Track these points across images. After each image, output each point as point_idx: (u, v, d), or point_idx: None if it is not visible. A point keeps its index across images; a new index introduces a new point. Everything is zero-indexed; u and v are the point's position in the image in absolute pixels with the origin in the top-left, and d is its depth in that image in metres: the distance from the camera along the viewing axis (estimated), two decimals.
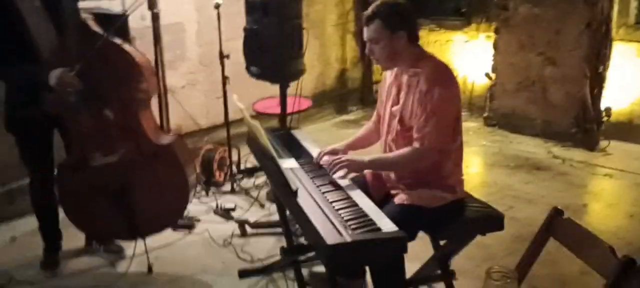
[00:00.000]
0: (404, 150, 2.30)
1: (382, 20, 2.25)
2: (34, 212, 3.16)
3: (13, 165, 3.33)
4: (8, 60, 2.72)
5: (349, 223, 1.91)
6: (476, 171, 4.60)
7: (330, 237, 1.82)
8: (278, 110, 3.82)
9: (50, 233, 3.19)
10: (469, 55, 5.74)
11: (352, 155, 2.52)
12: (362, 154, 2.51)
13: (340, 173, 2.29)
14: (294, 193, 2.12)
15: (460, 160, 2.40)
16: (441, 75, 2.26)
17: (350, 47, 6.25)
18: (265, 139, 2.21)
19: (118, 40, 2.93)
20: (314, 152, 2.63)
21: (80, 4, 2.87)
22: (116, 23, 2.85)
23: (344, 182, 2.28)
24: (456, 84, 2.32)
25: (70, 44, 2.75)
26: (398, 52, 2.29)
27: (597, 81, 4.81)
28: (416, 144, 2.25)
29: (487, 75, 5.50)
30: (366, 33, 2.32)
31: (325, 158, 2.47)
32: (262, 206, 3.87)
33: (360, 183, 2.37)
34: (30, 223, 3.33)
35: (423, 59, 2.31)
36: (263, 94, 4.55)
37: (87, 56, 2.69)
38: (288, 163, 2.47)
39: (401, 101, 2.34)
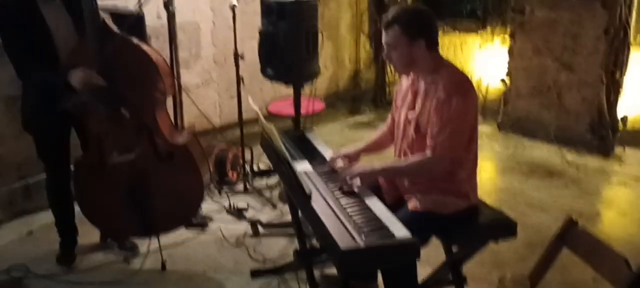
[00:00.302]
0: (416, 158, 2.30)
1: (401, 26, 2.23)
2: (50, 207, 3.21)
3: (30, 160, 3.39)
4: (29, 62, 2.76)
5: (362, 228, 1.92)
6: (489, 176, 4.59)
7: (343, 241, 1.83)
8: (292, 112, 3.84)
9: (67, 229, 3.24)
10: (483, 58, 5.72)
11: (363, 164, 2.51)
12: (376, 158, 2.52)
13: (354, 185, 2.28)
14: (308, 197, 2.14)
15: (475, 169, 2.40)
16: (460, 85, 2.25)
17: (363, 49, 6.25)
18: (279, 143, 2.21)
19: (135, 40, 2.96)
20: (328, 155, 2.64)
21: (99, 3, 2.91)
22: (131, 21, 2.88)
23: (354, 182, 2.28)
24: (474, 94, 2.31)
25: (89, 43, 2.78)
26: (416, 58, 2.27)
27: (614, 87, 4.78)
28: (428, 152, 2.24)
29: (502, 80, 5.48)
30: (384, 37, 2.31)
31: (339, 163, 2.48)
32: (274, 206, 3.89)
33: (373, 187, 2.37)
34: (47, 218, 3.37)
35: (441, 67, 2.30)
36: (277, 94, 4.58)
37: (105, 54, 2.73)
38: (302, 166, 2.49)
39: (417, 107, 2.34)
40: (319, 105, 4.22)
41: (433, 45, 2.29)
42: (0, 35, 2.80)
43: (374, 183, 2.43)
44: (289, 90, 3.83)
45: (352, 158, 2.59)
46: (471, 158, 2.36)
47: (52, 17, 2.81)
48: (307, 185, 2.23)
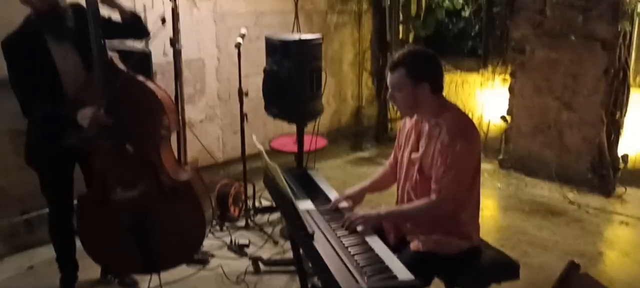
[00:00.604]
0: (420, 201, 2.31)
1: (406, 69, 2.25)
2: (52, 242, 3.21)
3: (33, 194, 3.39)
4: (36, 99, 2.80)
5: (365, 269, 1.92)
6: (491, 214, 4.59)
7: (346, 283, 1.83)
8: (294, 149, 3.87)
9: (67, 264, 3.23)
10: (484, 96, 5.77)
11: (367, 208, 2.51)
12: (378, 198, 2.52)
13: (357, 228, 2.28)
14: (311, 237, 2.14)
15: (477, 211, 2.40)
16: (464, 128, 2.27)
17: (366, 86, 6.32)
18: (283, 182, 2.22)
19: (141, 77, 3.01)
20: (330, 193, 2.65)
21: (107, 42, 2.96)
22: (137, 58, 2.94)
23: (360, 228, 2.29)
24: (478, 138, 2.33)
25: (96, 80, 2.82)
26: (420, 101, 2.29)
27: (614, 127, 4.81)
28: (433, 195, 2.25)
29: (502, 117, 5.52)
30: (389, 79, 2.33)
31: (343, 204, 2.48)
32: (276, 243, 3.88)
33: (375, 227, 2.37)
34: (48, 252, 3.37)
35: (445, 110, 2.31)
36: (279, 129, 4.62)
37: (112, 91, 2.77)
38: (304, 205, 2.50)
39: (421, 149, 2.35)
40: (322, 142, 4.25)
41: (438, 88, 2.31)
42: (9, 72, 2.83)
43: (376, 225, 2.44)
44: (291, 126, 3.86)
45: (356, 198, 2.60)
46: (474, 200, 2.37)
47: (60, 56, 2.86)
48: (310, 224, 2.24)
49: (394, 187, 2.62)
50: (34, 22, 2.82)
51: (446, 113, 2.30)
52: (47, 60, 2.82)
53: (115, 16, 3.01)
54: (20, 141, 3.18)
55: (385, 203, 2.92)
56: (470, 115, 2.25)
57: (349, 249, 2.09)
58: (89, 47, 2.78)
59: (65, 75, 2.87)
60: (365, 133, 6.44)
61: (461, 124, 2.28)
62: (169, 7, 3.92)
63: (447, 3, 5.79)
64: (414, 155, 2.39)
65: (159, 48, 4.06)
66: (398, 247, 2.36)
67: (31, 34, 2.80)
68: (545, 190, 4.97)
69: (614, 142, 4.83)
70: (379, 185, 2.71)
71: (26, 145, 3.04)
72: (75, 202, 3.12)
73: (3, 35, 2.81)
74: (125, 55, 3.14)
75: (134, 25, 3.06)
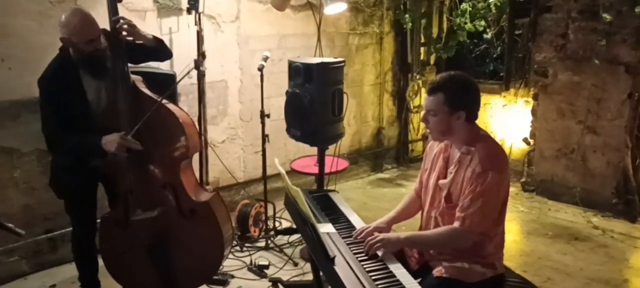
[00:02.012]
0: (443, 229, 2.28)
1: (445, 95, 2.22)
2: (75, 260, 3.25)
3: (58, 213, 3.46)
4: (66, 135, 2.86)
5: None
6: (513, 238, 4.53)
7: None
8: (315, 170, 3.88)
9: (89, 283, 3.26)
10: (506, 119, 5.73)
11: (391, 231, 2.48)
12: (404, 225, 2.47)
13: (378, 253, 2.25)
14: (332, 260, 2.14)
15: (502, 242, 2.36)
16: (497, 160, 2.22)
17: (387, 107, 6.32)
18: (305, 206, 2.21)
19: (165, 101, 3.05)
20: (351, 216, 2.64)
21: (132, 66, 3.01)
22: (168, 90, 3.01)
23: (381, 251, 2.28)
24: (508, 169, 2.28)
25: (120, 105, 2.88)
26: (453, 128, 2.26)
27: (639, 152, 4.73)
28: (457, 223, 2.21)
29: (525, 140, 5.48)
30: (427, 102, 2.30)
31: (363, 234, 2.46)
32: (295, 264, 3.88)
33: (398, 253, 2.34)
34: (71, 271, 3.41)
35: (477, 139, 2.28)
36: (300, 150, 4.63)
37: (135, 114, 2.81)
38: (325, 228, 2.49)
39: (449, 176, 2.31)
40: (343, 164, 4.25)
41: (473, 118, 2.29)
42: (43, 108, 2.90)
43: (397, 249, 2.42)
44: (312, 147, 3.87)
45: (383, 231, 2.58)
46: (500, 232, 2.33)
47: (92, 88, 2.94)
48: (331, 247, 2.23)
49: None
50: (72, 59, 2.89)
51: (479, 142, 2.26)
52: (80, 93, 2.90)
53: None
54: (46, 161, 3.26)
55: (408, 227, 2.90)
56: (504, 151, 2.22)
57: (371, 274, 2.08)
58: (114, 71, 2.85)
59: (94, 106, 2.95)
60: (385, 154, 6.43)
61: (494, 154, 2.24)
62: (194, 30, 3.99)
63: (469, 25, 5.78)
64: (442, 182, 2.35)
65: (183, 70, 4.11)
66: (420, 273, 2.34)
67: (67, 70, 2.87)
68: (568, 215, 4.89)
69: (639, 167, 4.75)
70: (406, 214, 2.64)
71: (51, 171, 3.10)
72: (98, 221, 3.17)
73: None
74: (149, 77, 3.20)
75: (158, 50, 3.12)
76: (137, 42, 2.96)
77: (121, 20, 2.87)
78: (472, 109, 2.27)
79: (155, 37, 3.10)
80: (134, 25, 2.93)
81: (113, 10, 2.90)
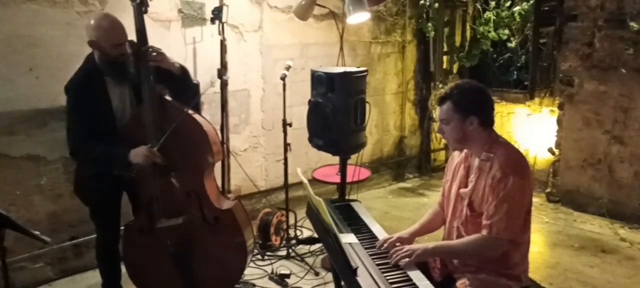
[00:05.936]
0: (471, 238, 2.25)
1: (453, 102, 2.25)
2: (98, 267, 3.29)
3: (83, 220, 3.50)
4: (90, 143, 2.89)
5: None
6: (538, 249, 4.45)
7: None
8: (337, 179, 3.86)
9: None
10: (531, 128, 5.65)
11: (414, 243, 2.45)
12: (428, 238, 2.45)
13: (403, 263, 2.24)
14: (354, 271, 2.12)
15: (528, 252, 2.33)
16: (517, 164, 2.21)
17: (409, 115, 6.29)
18: (327, 216, 2.20)
19: (189, 111, 3.07)
20: (373, 226, 2.63)
21: None
22: (193, 101, 3.05)
23: (404, 262, 2.26)
24: (530, 174, 2.26)
25: (146, 116, 2.91)
26: (468, 135, 2.26)
27: None
28: (484, 232, 2.19)
29: (550, 150, 5.40)
30: (438, 112, 2.32)
31: (386, 245, 2.44)
32: (316, 274, 3.86)
33: (420, 264, 2.32)
34: (95, 277, 3.44)
35: (496, 145, 2.26)
36: (322, 158, 4.62)
37: (169, 131, 2.85)
38: (347, 238, 2.48)
39: (470, 185, 2.30)
40: (365, 173, 4.23)
41: (487, 122, 2.27)
42: (69, 115, 2.95)
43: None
44: (334, 156, 3.86)
45: (406, 242, 2.56)
46: (526, 240, 2.30)
47: (116, 95, 2.98)
48: (353, 258, 2.22)
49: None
50: (98, 65, 2.93)
51: (497, 147, 2.25)
52: (105, 101, 2.94)
53: None
54: (72, 168, 3.30)
55: (430, 238, 2.87)
56: (525, 156, 2.20)
57: (393, 286, 2.06)
58: (141, 85, 2.89)
59: (119, 113, 2.98)
60: (407, 163, 6.40)
61: (514, 159, 2.22)
62: (217, 40, 4.02)
63: (492, 34, 5.73)
64: (463, 191, 2.34)
65: (206, 78, 4.15)
66: (444, 284, 2.32)
67: (93, 77, 2.91)
68: (595, 226, 4.80)
69: None
70: (429, 227, 2.62)
71: (75, 179, 3.15)
72: (122, 228, 3.20)
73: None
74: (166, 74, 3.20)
75: (181, 79, 3.11)
76: (163, 67, 2.99)
77: (150, 49, 2.91)
78: (483, 113, 2.26)
79: (181, 66, 3.13)
80: (162, 53, 2.97)
81: (139, 21, 2.93)
